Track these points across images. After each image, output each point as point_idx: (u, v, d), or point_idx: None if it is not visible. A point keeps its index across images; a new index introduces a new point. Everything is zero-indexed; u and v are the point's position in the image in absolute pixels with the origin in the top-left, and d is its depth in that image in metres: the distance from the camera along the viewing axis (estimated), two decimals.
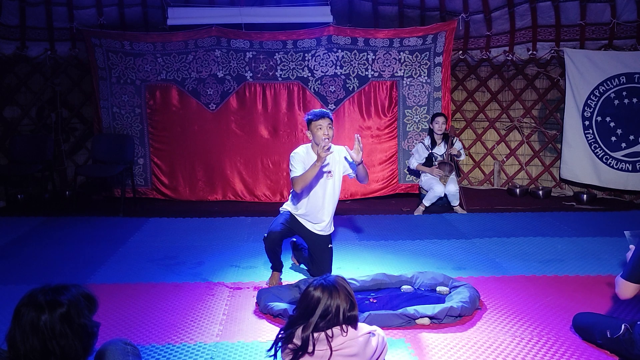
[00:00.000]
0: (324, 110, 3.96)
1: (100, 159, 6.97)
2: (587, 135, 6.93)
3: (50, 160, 7.04)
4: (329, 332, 2.24)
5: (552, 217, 6.10)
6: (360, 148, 3.78)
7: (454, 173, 6.39)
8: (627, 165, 6.68)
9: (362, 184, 4.49)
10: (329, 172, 3.98)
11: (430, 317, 3.25)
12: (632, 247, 2.77)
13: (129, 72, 7.04)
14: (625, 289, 2.67)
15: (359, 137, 3.80)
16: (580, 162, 6.99)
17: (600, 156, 6.85)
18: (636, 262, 2.63)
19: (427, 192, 6.31)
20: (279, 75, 6.99)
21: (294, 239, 4.44)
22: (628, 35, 6.77)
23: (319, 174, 3.93)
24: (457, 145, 6.43)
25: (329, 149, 3.69)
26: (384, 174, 7.14)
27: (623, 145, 6.70)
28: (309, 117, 3.89)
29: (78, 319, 1.83)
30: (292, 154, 3.99)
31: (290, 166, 3.95)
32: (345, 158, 4.01)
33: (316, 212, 4.01)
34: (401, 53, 6.95)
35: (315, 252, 4.06)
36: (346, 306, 2.26)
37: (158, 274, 4.30)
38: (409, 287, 3.84)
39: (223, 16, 7.04)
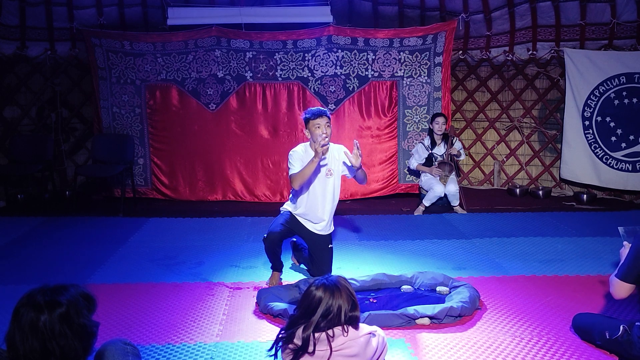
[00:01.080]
0: (322, 108, 3.93)
1: (100, 159, 6.98)
2: (587, 135, 6.93)
3: (50, 160, 7.04)
4: (330, 332, 2.24)
5: (552, 217, 6.10)
6: (359, 154, 3.77)
7: (454, 173, 6.39)
8: (627, 165, 6.68)
9: (361, 184, 4.49)
10: (329, 170, 3.98)
11: (430, 317, 3.24)
12: (626, 243, 2.75)
13: (129, 72, 7.04)
14: (620, 289, 2.65)
15: (358, 143, 3.80)
16: (580, 162, 6.99)
17: (600, 156, 6.85)
18: (631, 262, 2.61)
19: (427, 192, 6.31)
20: (279, 75, 6.99)
21: (294, 239, 4.44)
22: (628, 35, 6.77)
23: (318, 172, 3.93)
24: (457, 145, 6.43)
25: (325, 145, 3.70)
26: (384, 174, 7.14)
27: (623, 145, 6.70)
28: (307, 115, 3.88)
29: (77, 319, 1.83)
30: (290, 152, 3.99)
31: (288, 164, 3.96)
32: (344, 162, 4.00)
33: (315, 211, 4.00)
34: (401, 53, 6.95)
35: (315, 252, 4.06)
36: (348, 306, 2.26)
37: (158, 274, 4.29)
38: (409, 287, 3.84)
39: (223, 16, 7.04)
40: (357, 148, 3.75)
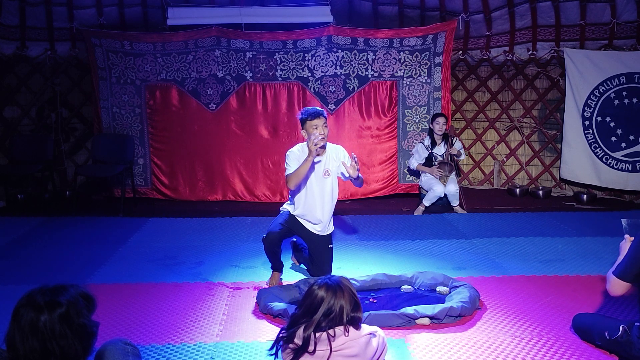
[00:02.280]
0: (318, 108, 3.92)
1: (100, 159, 6.98)
2: (587, 135, 6.93)
3: (50, 160, 7.04)
4: (331, 332, 2.24)
5: (552, 217, 6.09)
6: (357, 167, 3.80)
7: (454, 173, 6.39)
8: (627, 165, 6.68)
9: (358, 187, 4.51)
10: (326, 170, 3.97)
11: (430, 317, 3.24)
12: (627, 236, 2.68)
13: (129, 72, 7.04)
14: (617, 287, 2.59)
15: (356, 157, 3.83)
16: (580, 162, 6.99)
17: (600, 156, 6.84)
18: (630, 260, 2.55)
19: (427, 192, 6.31)
20: (279, 75, 6.99)
21: (294, 239, 4.44)
22: (628, 35, 6.77)
23: (316, 172, 3.92)
24: (457, 145, 6.43)
25: (323, 146, 3.70)
26: (384, 174, 7.14)
27: (623, 145, 6.70)
28: (304, 116, 3.86)
29: (77, 319, 1.83)
30: (287, 153, 3.98)
31: (285, 164, 3.95)
32: (342, 172, 4.00)
33: (314, 211, 4.00)
34: (401, 53, 6.95)
35: (315, 252, 4.05)
36: (349, 307, 2.26)
37: (158, 274, 4.29)
38: (409, 287, 3.84)
39: (223, 16, 7.04)
40: (356, 162, 3.78)
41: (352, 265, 4.43)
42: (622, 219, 2.80)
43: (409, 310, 3.27)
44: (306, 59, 6.95)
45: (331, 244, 4.12)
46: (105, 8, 7.33)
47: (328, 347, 2.22)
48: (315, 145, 3.67)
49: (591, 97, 6.85)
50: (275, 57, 6.95)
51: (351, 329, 2.27)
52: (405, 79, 7.02)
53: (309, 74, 6.98)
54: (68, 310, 1.81)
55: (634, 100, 6.61)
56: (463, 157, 6.65)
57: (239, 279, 4.15)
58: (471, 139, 7.94)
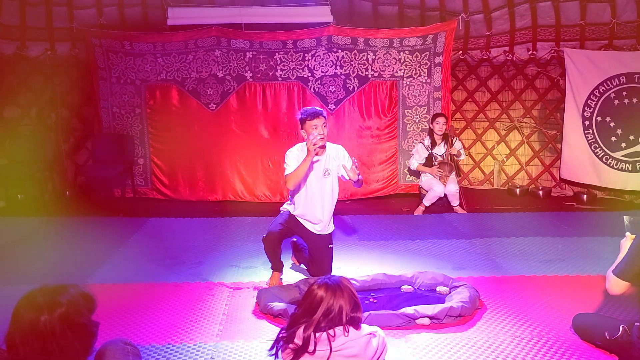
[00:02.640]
0: (318, 108, 3.92)
1: (100, 159, 6.98)
2: (587, 135, 6.92)
3: (50, 160, 7.04)
4: (330, 332, 2.24)
5: (552, 217, 6.09)
6: (357, 172, 3.83)
7: (454, 173, 6.39)
8: (627, 165, 6.68)
9: (357, 188, 4.53)
10: (326, 170, 3.97)
11: (430, 317, 3.24)
12: (628, 234, 2.65)
13: (129, 72, 7.04)
14: (616, 286, 2.56)
15: (357, 162, 3.86)
16: (580, 162, 6.99)
17: (600, 156, 6.84)
18: (630, 259, 2.53)
19: (427, 192, 6.30)
20: (279, 75, 6.99)
21: (294, 239, 4.43)
22: (628, 35, 6.76)
23: (316, 172, 3.92)
24: (457, 145, 6.43)
25: (322, 146, 3.71)
26: (384, 174, 7.14)
27: (623, 145, 6.70)
28: (303, 116, 3.86)
29: (77, 319, 1.82)
30: (287, 152, 3.98)
31: (284, 164, 3.95)
32: (343, 175, 4.01)
33: (314, 211, 3.99)
34: (401, 53, 6.95)
35: (315, 252, 4.05)
36: (349, 307, 2.26)
37: (158, 274, 4.29)
38: (409, 287, 3.84)
39: (223, 16, 7.05)
40: (356, 166, 3.81)
41: (352, 265, 4.43)
42: (624, 216, 2.77)
43: (409, 310, 3.27)
44: (306, 59, 6.95)
45: (331, 244, 4.12)
46: (105, 8, 7.33)
47: (328, 347, 2.22)
48: (314, 145, 3.67)
49: (591, 97, 6.84)
50: (275, 57, 6.95)
51: (351, 329, 2.26)
52: (405, 79, 7.02)
53: (309, 74, 6.98)
54: (68, 310, 1.81)
55: (634, 100, 6.61)
56: (463, 157, 6.64)
57: (239, 279, 4.15)
58: (471, 139, 7.94)
